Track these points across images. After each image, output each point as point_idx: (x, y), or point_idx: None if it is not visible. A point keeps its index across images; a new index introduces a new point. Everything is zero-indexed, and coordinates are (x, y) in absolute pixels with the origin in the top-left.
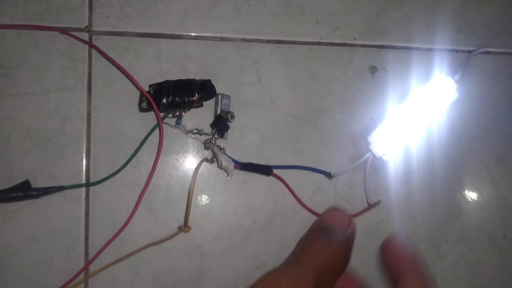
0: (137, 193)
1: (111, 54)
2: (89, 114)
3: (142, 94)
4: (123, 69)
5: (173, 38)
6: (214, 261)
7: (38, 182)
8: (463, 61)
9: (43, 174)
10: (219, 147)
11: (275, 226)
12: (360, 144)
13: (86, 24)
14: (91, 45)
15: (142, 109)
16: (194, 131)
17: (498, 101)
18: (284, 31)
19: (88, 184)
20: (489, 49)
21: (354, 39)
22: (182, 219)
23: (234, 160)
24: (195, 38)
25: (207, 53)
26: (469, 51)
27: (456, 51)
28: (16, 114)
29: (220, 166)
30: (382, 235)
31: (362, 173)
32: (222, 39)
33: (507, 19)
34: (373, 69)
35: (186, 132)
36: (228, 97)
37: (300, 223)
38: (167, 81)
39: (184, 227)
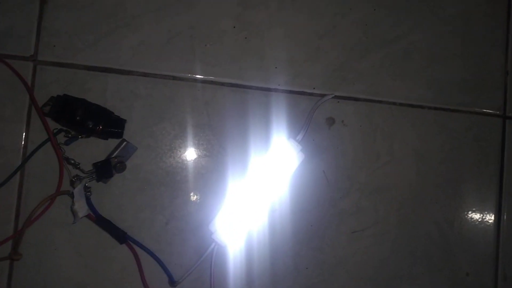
0: (68, 233)
1: (54, 87)
2: (25, 147)
3: (51, 98)
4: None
5: (122, 74)
6: None
7: None
8: (308, 114)
9: None
10: (86, 187)
11: None
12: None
13: (32, 53)
14: (23, 80)
15: (46, 114)
16: (71, 161)
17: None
18: (240, 74)
19: None
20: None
21: (314, 88)
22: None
23: (93, 209)
24: (145, 75)
25: (156, 91)
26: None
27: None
28: None
29: (71, 208)
30: None
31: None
32: (174, 78)
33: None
34: (330, 121)
35: (63, 157)
36: (134, 148)
37: None
38: (84, 99)
39: (14, 254)
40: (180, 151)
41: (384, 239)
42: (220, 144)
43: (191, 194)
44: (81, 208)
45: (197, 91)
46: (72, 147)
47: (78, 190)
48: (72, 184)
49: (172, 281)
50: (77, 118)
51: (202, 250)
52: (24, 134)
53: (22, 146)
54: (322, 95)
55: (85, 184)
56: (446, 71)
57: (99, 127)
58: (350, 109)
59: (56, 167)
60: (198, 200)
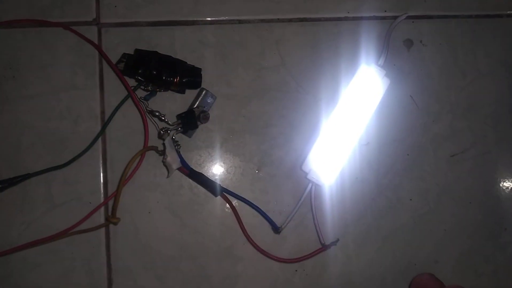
0: (160, 194)
1: (122, 47)
2: (103, 112)
3: (123, 55)
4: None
5: (187, 25)
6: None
7: (54, 188)
8: (384, 39)
9: (59, 178)
10: (175, 141)
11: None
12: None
13: (94, 17)
14: (91, 42)
15: (121, 71)
16: (156, 113)
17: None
18: (307, 7)
19: (55, 168)
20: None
21: (385, 11)
22: None
23: (184, 164)
24: (211, 23)
25: (225, 38)
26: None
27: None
28: (25, 117)
29: (163, 161)
30: (430, 226)
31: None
32: (240, 21)
33: None
34: (408, 43)
35: (146, 111)
36: (214, 97)
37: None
38: (156, 52)
39: (112, 218)
40: (258, 95)
41: (486, 159)
42: (297, 82)
43: (277, 137)
44: (174, 160)
45: (266, 31)
46: (150, 103)
47: (168, 142)
48: (161, 136)
49: (275, 228)
50: (154, 71)
51: (298, 193)
52: (99, 99)
53: (100, 111)
54: (395, 17)
55: (173, 137)
56: None
57: (177, 78)
58: (426, 27)
59: (137, 128)
60: (286, 143)
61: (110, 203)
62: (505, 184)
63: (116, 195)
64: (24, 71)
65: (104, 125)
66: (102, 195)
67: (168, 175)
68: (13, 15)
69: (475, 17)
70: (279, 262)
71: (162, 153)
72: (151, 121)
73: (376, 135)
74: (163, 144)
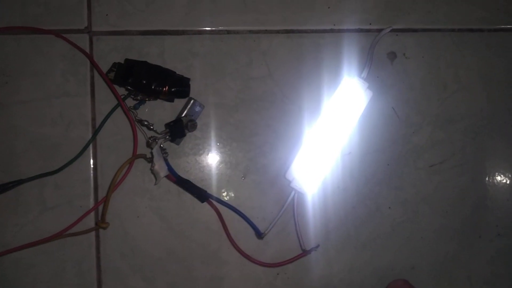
0: (148, 200)
1: (113, 55)
2: (94, 119)
3: (114, 64)
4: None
5: (177, 35)
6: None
7: (46, 192)
8: (368, 51)
9: (51, 183)
10: (162, 149)
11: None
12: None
13: (86, 25)
14: (82, 50)
15: (111, 80)
16: (145, 122)
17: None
18: (293, 19)
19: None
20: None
21: (370, 24)
22: None
23: (172, 171)
24: (200, 33)
25: (213, 48)
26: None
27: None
28: (19, 122)
29: (151, 169)
30: (408, 234)
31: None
32: (228, 32)
33: None
34: (392, 55)
35: (135, 120)
36: (202, 106)
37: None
38: (145, 62)
39: (102, 223)
40: (245, 105)
41: (464, 169)
42: (283, 93)
43: (263, 146)
44: (162, 168)
45: (253, 42)
46: (139, 112)
47: (156, 150)
48: (149, 145)
49: (258, 234)
50: (143, 81)
51: (282, 200)
52: (90, 106)
53: (91, 118)
54: (380, 30)
55: (160, 145)
56: None
57: (166, 88)
58: (410, 41)
59: (126, 135)
60: (271, 151)
61: (100, 207)
62: (480, 194)
63: (106, 201)
64: (17, 77)
65: (95, 132)
66: (92, 199)
67: (155, 182)
68: (6, 22)
69: (457, 30)
70: (262, 266)
71: (150, 160)
72: (140, 130)
73: (358, 145)
74: (151, 152)
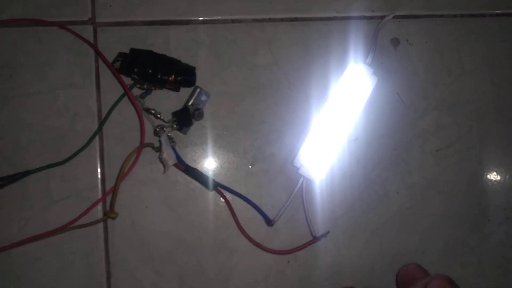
0: (156, 190)
1: (118, 46)
2: (99, 110)
3: (119, 54)
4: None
5: (181, 24)
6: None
7: (53, 184)
8: (372, 38)
9: (57, 175)
10: (170, 138)
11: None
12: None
13: (90, 16)
14: (87, 41)
15: (117, 70)
16: (152, 111)
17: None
18: (298, 7)
19: (54, 165)
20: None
21: (372, 11)
22: None
23: (180, 160)
24: (204, 22)
25: (218, 37)
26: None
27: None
28: (24, 115)
29: (159, 157)
30: (416, 219)
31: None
32: (233, 21)
33: None
34: (395, 42)
35: (142, 109)
36: (208, 95)
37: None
38: (151, 51)
39: (110, 212)
40: (251, 93)
41: (471, 153)
42: (288, 80)
43: (270, 133)
44: (170, 157)
45: (258, 31)
46: (145, 101)
47: (164, 138)
48: (157, 133)
49: (268, 221)
50: (149, 70)
51: (290, 188)
52: (96, 97)
53: (97, 109)
54: (382, 17)
55: (168, 134)
56: None
57: (172, 77)
58: (413, 27)
59: (133, 125)
60: (278, 139)
61: (108, 198)
62: (488, 177)
63: (114, 190)
64: (21, 70)
65: (102, 122)
66: (99, 191)
67: (164, 171)
68: (9, 14)
69: (459, 16)
70: (272, 254)
71: (158, 149)
72: (147, 118)
73: (364, 131)
74: (159, 141)
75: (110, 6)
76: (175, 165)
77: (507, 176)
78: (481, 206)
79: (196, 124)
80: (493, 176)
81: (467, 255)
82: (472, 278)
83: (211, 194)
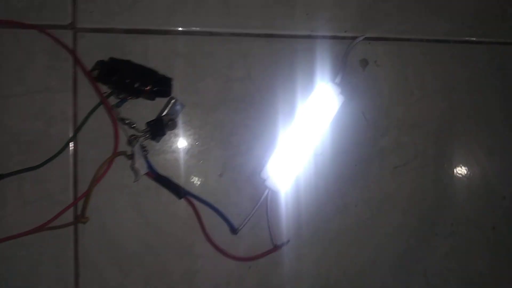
0: (127, 195)
1: (96, 52)
2: (75, 115)
3: (97, 62)
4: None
5: (160, 34)
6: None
7: (26, 186)
8: (342, 58)
9: (30, 177)
10: (142, 147)
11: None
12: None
13: (70, 21)
14: (66, 47)
15: (95, 78)
16: (127, 121)
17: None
18: (274, 24)
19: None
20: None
21: (345, 31)
22: None
23: (151, 168)
24: (183, 33)
25: (195, 49)
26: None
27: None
28: (0, 117)
29: (131, 166)
30: (371, 230)
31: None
32: (211, 33)
33: None
34: (364, 62)
35: (118, 118)
36: (182, 105)
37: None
38: (129, 61)
39: (82, 217)
40: (224, 105)
41: (425, 171)
42: (261, 95)
43: (240, 145)
44: (141, 166)
45: (235, 45)
46: (121, 110)
47: (136, 148)
48: (130, 143)
49: (233, 229)
50: (126, 80)
51: (256, 198)
52: (72, 102)
53: (72, 114)
54: (354, 38)
55: (141, 143)
56: (467, 2)
57: (148, 87)
58: (381, 49)
59: (107, 132)
60: (247, 151)
61: (80, 202)
62: (439, 194)
63: (87, 196)
64: None
65: (77, 129)
66: (71, 194)
67: (135, 179)
68: None
69: (425, 41)
70: (235, 260)
71: (131, 157)
72: (121, 128)
73: (329, 146)
74: (132, 150)
75: (91, 12)
76: (146, 173)
77: (456, 194)
78: (430, 221)
79: (169, 133)
80: (443, 193)
81: (414, 265)
82: (418, 286)
83: (180, 201)
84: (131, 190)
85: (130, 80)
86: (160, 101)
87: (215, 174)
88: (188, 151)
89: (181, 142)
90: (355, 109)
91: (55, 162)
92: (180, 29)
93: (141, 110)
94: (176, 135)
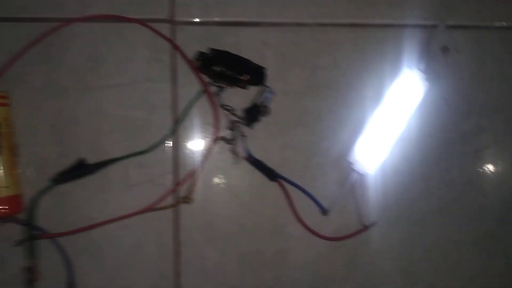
0: (223, 178)
1: (193, 44)
2: (175, 103)
3: (200, 54)
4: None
5: (251, 26)
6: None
7: (131, 170)
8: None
9: (135, 162)
10: (242, 132)
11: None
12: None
13: (169, 15)
14: (168, 39)
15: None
16: (228, 107)
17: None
18: (358, 14)
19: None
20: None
21: (426, 19)
22: None
23: (248, 152)
24: (272, 25)
25: (284, 39)
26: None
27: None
28: (105, 105)
29: (231, 150)
30: (455, 212)
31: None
32: (299, 24)
33: None
34: (445, 49)
35: (220, 104)
36: (273, 93)
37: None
38: (228, 52)
39: (188, 198)
40: (312, 92)
41: (505, 155)
42: (346, 82)
43: (326, 130)
44: (240, 149)
45: (321, 34)
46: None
47: (237, 133)
48: (232, 128)
49: (323, 210)
50: (226, 69)
51: (343, 181)
52: (172, 91)
53: (172, 102)
54: (433, 25)
55: (240, 128)
56: None
57: (245, 76)
58: (461, 36)
59: (206, 119)
60: (334, 136)
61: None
62: None
63: (193, 178)
64: (103, 63)
65: (182, 115)
66: (172, 178)
67: (235, 162)
68: (93, 10)
69: (504, 28)
70: (325, 240)
71: (230, 142)
72: (223, 114)
73: (413, 130)
74: (233, 134)
75: (188, 6)
76: (244, 157)
77: None
78: (510, 203)
79: (261, 119)
80: None
81: (494, 246)
82: (498, 266)
83: (272, 184)
84: (227, 174)
85: (229, 69)
86: (250, 90)
87: (303, 158)
88: (279, 136)
89: (272, 128)
90: (437, 94)
91: (159, 148)
92: (269, 21)
93: (234, 98)
94: (268, 123)
